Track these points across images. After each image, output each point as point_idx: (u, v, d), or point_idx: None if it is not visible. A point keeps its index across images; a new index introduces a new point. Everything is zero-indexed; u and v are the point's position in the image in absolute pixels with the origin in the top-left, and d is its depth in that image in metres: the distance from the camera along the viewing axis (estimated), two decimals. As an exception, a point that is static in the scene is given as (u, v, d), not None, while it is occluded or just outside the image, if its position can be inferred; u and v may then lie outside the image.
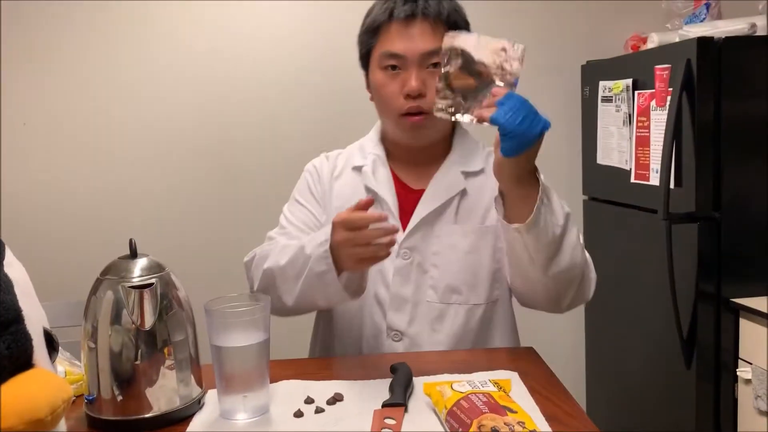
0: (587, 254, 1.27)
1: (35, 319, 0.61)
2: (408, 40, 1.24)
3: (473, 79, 1.09)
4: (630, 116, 2.07)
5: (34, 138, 2.41)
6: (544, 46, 2.50)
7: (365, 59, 1.33)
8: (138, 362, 0.95)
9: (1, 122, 2.38)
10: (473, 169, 1.34)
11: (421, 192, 1.32)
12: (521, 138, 1.03)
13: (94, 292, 0.97)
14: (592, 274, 1.29)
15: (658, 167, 1.89)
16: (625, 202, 2.17)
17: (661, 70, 1.89)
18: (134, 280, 0.96)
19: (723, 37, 1.80)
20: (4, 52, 2.35)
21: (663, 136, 1.84)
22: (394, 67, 1.26)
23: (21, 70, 2.38)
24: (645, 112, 1.98)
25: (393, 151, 1.37)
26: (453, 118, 1.10)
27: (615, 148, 2.18)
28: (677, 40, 1.99)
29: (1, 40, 2.34)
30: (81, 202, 2.44)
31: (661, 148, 1.85)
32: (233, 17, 2.41)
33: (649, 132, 1.97)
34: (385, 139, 1.39)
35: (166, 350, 0.97)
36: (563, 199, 1.19)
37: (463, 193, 1.32)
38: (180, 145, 2.44)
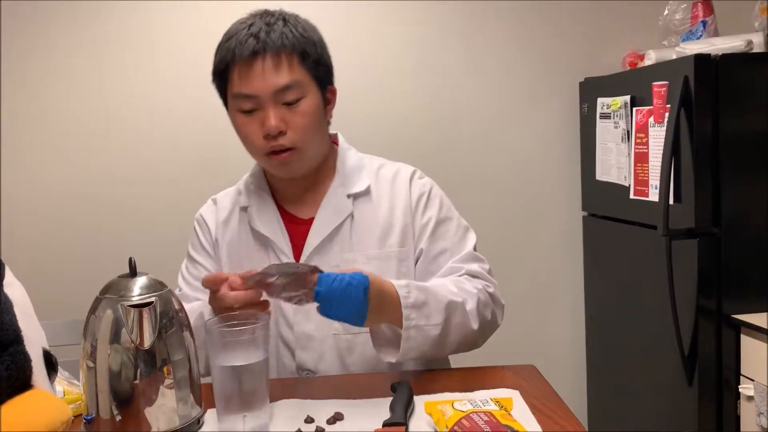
0: (489, 290, 1.26)
1: (34, 339, 0.61)
2: (256, 79, 1.18)
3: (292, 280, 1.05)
4: (628, 132, 2.08)
5: (32, 154, 2.41)
6: (543, 63, 2.52)
7: (224, 100, 1.28)
8: (137, 381, 0.94)
9: (1, 138, 2.38)
10: (359, 189, 1.30)
11: (311, 222, 1.29)
12: (352, 316, 1.05)
13: (93, 311, 0.96)
14: (498, 306, 1.28)
15: (657, 183, 1.90)
16: (624, 219, 2.17)
17: (659, 87, 1.90)
18: (134, 298, 0.95)
19: (720, 54, 1.82)
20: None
21: (662, 152, 1.85)
22: (251, 109, 1.21)
23: (20, 83, 2.39)
24: (643, 129, 1.99)
25: (276, 184, 1.34)
26: (302, 305, 1.08)
27: (614, 165, 2.19)
28: (674, 57, 2.00)
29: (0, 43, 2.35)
30: (80, 218, 2.43)
31: (660, 164, 1.86)
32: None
33: (647, 148, 1.97)
34: (266, 171, 1.34)
35: (165, 369, 0.96)
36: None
37: (351, 217, 1.28)
38: (180, 161, 2.44)
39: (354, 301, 1.03)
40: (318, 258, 1.26)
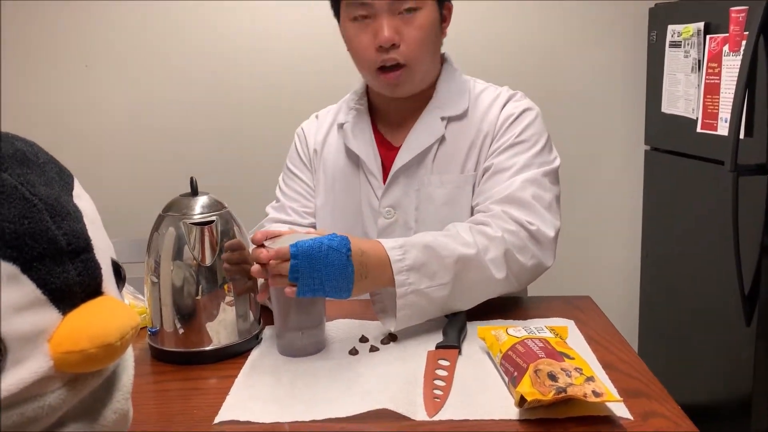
0: (531, 228, 1.11)
1: (103, 249, 0.62)
2: None
3: None
4: (699, 62, 1.97)
5: (96, 80, 2.45)
6: (611, -13, 2.39)
7: (335, 8, 1.23)
8: (199, 297, 0.98)
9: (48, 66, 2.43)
10: (455, 112, 1.25)
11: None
12: (337, 286, 0.94)
13: (157, 228, 0.99)
14: (542, 246, 1.12)
15: (728, 116, 1.80)
16: (689, 153, 2.09)
17: (737, 12, 1.78)
18: (195, 217, 0.98)
19: (808, -25, 1.68)
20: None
21: (735, 82, 1.75)
22: (364, 17, 1.16)
23: (82, 15, 2.41)
24: (716, 58, 1.88)
25: (378, 104, 1.30)
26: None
27: (681, 96, 2.09)
28: (756, -21, 1.86)
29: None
30: (142, 141, 2.48)
31: (732, 95, 1.76)
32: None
33: (719, 79, 1.87)
34: (369, 90, 1.31)
35: (225, 286, 0.99)
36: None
37: (441, 140, 1.23)
38: (242, 85, 2.44)
39: (337, 266, 0.93)
40: (403, 179, 1.24)
